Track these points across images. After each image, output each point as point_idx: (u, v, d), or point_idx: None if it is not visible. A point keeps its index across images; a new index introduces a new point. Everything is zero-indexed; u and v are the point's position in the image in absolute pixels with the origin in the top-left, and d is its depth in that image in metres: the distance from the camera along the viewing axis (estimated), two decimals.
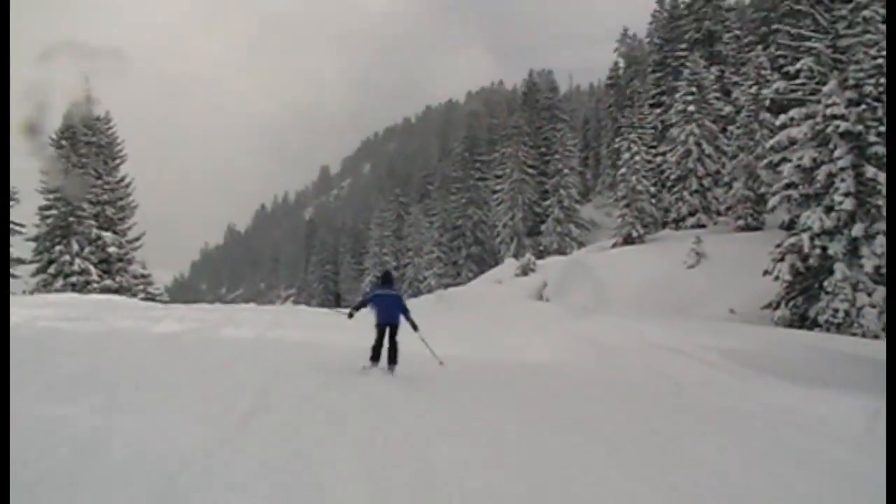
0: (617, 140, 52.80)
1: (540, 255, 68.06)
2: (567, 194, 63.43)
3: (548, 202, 64.31)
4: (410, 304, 14.67)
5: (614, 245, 47.16)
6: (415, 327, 13.48)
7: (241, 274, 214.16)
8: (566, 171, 63.73)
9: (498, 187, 68.29)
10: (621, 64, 79.83)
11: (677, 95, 47.50)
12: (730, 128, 43.96)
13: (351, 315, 13.94)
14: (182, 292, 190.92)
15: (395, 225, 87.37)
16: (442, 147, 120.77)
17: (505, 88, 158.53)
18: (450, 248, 73.93)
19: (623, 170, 47.08)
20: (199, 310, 25.29)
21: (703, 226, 44.68)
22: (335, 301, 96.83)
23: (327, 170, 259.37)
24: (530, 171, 67.16)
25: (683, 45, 57.34)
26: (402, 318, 13.46)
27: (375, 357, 13.15)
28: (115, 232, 46.93)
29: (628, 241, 45.67)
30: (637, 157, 46.07)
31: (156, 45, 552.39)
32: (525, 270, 42.92)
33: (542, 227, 64.71)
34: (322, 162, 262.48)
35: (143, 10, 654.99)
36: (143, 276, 49.38)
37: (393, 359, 13.20)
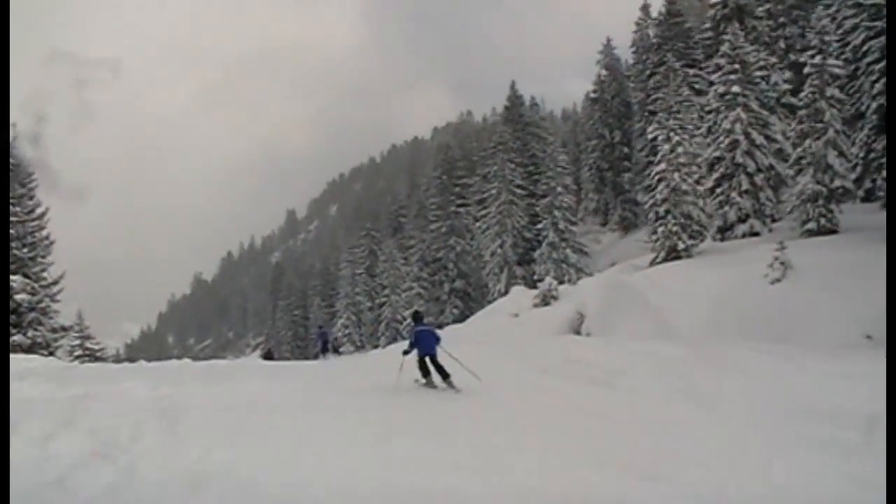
0: (650, 128, 42.14)
1: (534, 284, 59.29)
2: (562, 215, 54.33)
3: (540, 225, 55.12)
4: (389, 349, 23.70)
5: (654, 262, 37.29)
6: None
7: (208, 324, 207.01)
8: (559, 189, 54.74)
9: (482, 212, 59.21)
10: (605, 76, 71.49)
11: (716, 76, 37.79)
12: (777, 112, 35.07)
13: (406, 352, 15.93)
14: (148, 345, 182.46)
15: (368, 262, 77.77)
16: (411, 183, 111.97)
17: (474, 119, 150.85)
18: (431, 283, 64.67)
19: (662, 165, 36.87)
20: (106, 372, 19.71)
21: (756, 233, 35.42)
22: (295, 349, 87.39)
23: (294, 213, 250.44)
24: (519, 191, 58.13)
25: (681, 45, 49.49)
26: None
27: (427, 374, 15.82)
28: (25, 275, 36.74)
29: (672, 255, 35.95)
30: (679, 149, 36.16)
31: (118, 91, 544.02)
32: (546, 299, 33.36)
33: (536, 254, 55.59)
34: (288, 205, 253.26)
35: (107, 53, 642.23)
36: (63, 328, 39.44)
37: (445, 374, 15.61)
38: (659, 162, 37.38)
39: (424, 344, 15.61)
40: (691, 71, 53.38)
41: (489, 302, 61.26)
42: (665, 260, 35.62)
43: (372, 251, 78.43)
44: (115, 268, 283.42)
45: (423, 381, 15.59)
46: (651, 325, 25.22)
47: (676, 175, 35.37)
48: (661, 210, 36.73)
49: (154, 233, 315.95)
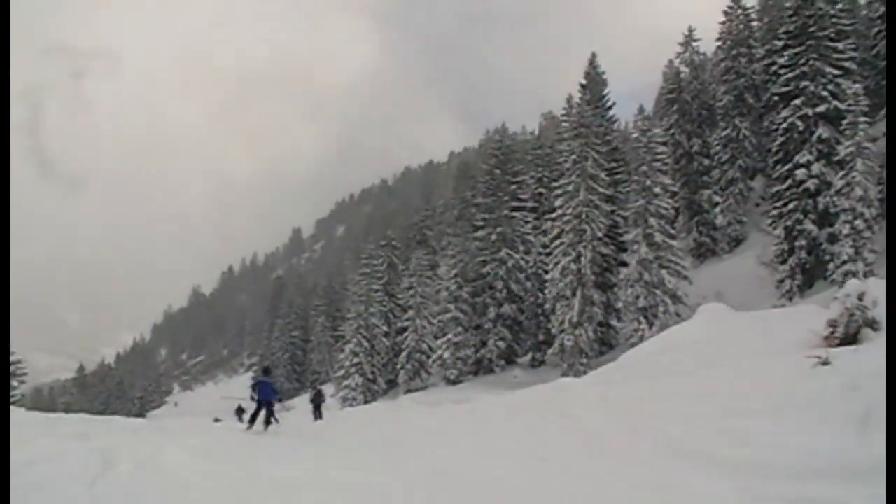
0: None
1: (615, 314, 43.07)
2: (658, 225, 38.21)
3: (630, 235, 38.90)
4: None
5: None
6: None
7: (203, 339, 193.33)
8: (657, 189, 38.70)
9: (552, 216, 42.77)
10: (685, 74, 55.48)
11: None
12: None
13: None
14: (138, 358, 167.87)
15: (386, 277, 61.17)
16: (426, 206, 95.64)
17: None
18: (472, 307, 48.15)
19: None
20: None
21: None
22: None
23: (299, 232, 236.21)
24: (602, 189, 41.84)
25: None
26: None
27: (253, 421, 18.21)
28: None
29: None
30: None
31: (126, 104, 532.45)
32: (852, 327, 15.91)
33: (622, 275, 39.53)
34: (294, 224, 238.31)
35: (116, 67, 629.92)
36: None
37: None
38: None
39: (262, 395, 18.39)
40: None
41: (547, 335, 45.03)
42: None
43: (392, 265, 61.93)
44: (114, 273, 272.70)
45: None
46: None
47: None
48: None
49: (154, 240, 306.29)
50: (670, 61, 67.33)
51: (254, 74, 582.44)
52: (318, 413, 31.80)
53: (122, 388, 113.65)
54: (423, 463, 10.81)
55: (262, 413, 18.07)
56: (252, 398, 19.16)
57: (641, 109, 76.32)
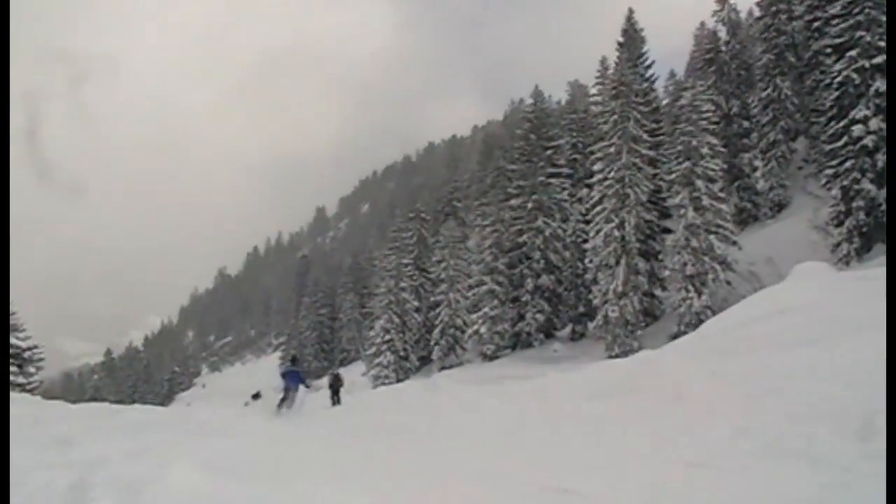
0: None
1: (659, 283, 40.82)
2: (706, 189, 35.80)
3: (676, 200, 36.49)
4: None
5: None
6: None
7: (230, 320, 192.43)
8: (705, 149, 36.27)
9: (592, 180, 40.35)
10: (722, 33, 52.68)
11: None
12: None
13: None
14: (166, 341, 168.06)
15: (416, 250, 59.09)
16: (451, 180, 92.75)
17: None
18: (508, 278, 46.03)
19: None
20: None
21: None
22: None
23: (323, 210, 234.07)
24: (645, 151, 39.43)
25: None
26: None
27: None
28: None
29: None
30: None
31: (144, 88, 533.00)
32: None
33: (669, 241, 37.27)
34: (318, 203, 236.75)
35: (134, 53, 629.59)
36: None
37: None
38: None
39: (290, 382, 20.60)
40: None
41: (587, 307, 42.91)
42: None
43: (421, 238, 59.84)
44: (141, 260, 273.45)
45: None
46: None
47: None
48: None
49: (179, 225, 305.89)
50: (702, 23, 65.08)
51: (272, 55, 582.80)
52: (336, 398, 29.87)
53: (149, 372, 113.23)
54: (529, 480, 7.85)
55: (286, 397, 20.48)
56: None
57: (673, 74, 73.68)
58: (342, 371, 34.23)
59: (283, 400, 20.41)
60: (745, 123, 47.91)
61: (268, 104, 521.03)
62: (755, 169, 46.38)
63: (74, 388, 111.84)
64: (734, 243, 36.57)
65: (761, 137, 45.84)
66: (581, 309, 43.80)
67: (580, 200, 45.13)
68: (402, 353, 54.12)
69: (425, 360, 55.46)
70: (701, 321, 34.98)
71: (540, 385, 15.83)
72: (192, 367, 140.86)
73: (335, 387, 30.44)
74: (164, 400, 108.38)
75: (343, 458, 8.84)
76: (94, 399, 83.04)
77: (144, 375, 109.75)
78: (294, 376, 21.16)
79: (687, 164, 36.13)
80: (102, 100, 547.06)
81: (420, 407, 17.32)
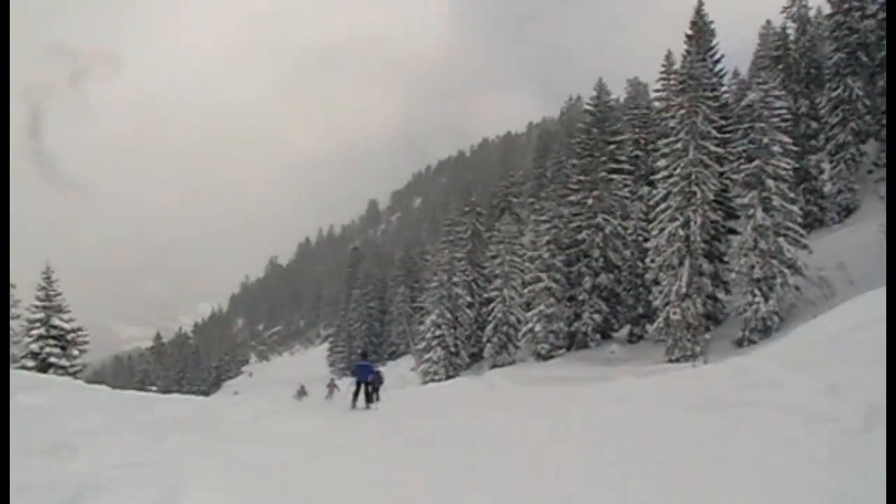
0: None
1: (723, 286, 39.13)
2: (777, 189, 34.08)
3: (745, 199, 34.73)
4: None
5: None
6: None
7: (280, 310, 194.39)
8: (776, 147, 34.58)
9: (659, 175, 38.72)
10: (791, 32, 50.59)
11: None
12: None
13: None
14: (215, 328, 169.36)
15: (470, 244, 57.93)
16: (505, 177, 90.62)
17: (582, 105, 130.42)
18: (566, 276, 44.70)
19: None
20: None
21: None
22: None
23: (375, 204, 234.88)
24: (713, 148, 37.73)
25: None
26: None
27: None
28: None
29: None
30: None
31: (196, 83, 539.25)
32: None
33: (737, 242, 35.63)
34: (370, 196, 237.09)
35: (184, 52, 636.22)
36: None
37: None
38: None
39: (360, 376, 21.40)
40: None
41: (647, 309, 41.47)
42: None
43: (476, 232, 58.63)
44: (194, 248, 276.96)
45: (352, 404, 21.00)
46: None
47: None
48: None
49: (233, 215, 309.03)
50: (768, 21, 63.01)
51: (327, 49, 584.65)
52: (375, 395, 26.16)
53: (197, 358, 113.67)
54: None
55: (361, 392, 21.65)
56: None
57: (736, 73, 71.52)
58: (382, 367, 31.47)
59: (355, 394, 21.63)
60: (814, 124, 46.12)
61: (325, 100, 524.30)
62: (822, 171, 44.63)
63: (124, 372, 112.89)
64: (804, 247, 34.81)
65: (830, 139, 44.13)
66: (640, 310, 42.35)
67: (641, 198, 43.67)
68: (452, 349, 53.01)
69: (476, 357, 54.39)
70: (767, 326, 33.59)
71: (620, 391, 14.45)
72: (240, 356, 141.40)
73: (375, 384, 28.16)
74: (211, 387, 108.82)
75: (390, 480, 7.57)
76: (141, 383, 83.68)
77: (193, 362, 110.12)
78: (365, 370, 22.14)
79: (757, 162, 34.55)
80: (159, 88, 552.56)
81: (481, 409, 15.94)
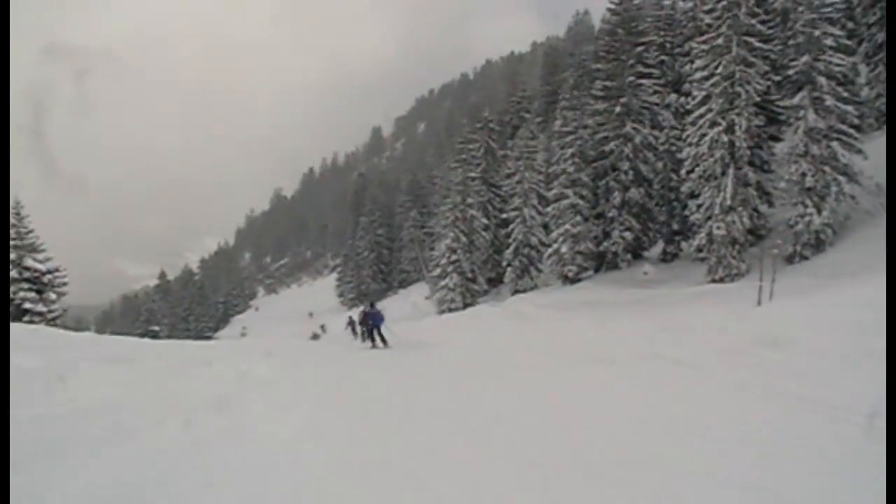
0: None
1: (766, 197, 35.50)
2: (830, 87, 30.21)
3: (795, 100, 30.93)
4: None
5: None
6: None
7: (286, 242, 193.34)
8: (828, 41, 30.64)
9: (696, 76, 34.77)
10: None
11: None
12: None
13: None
14: (222, 262, 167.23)
15: (483, 163, 54.15)
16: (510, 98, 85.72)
17: (591, 21, 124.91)
18: (592, 191, 41.18)
19: None
20: None
21: None
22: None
23: (379, 130, 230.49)
24: (758, 44, 33.70)
25: None
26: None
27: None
28: None
29: None
30: None
31: (193, 14, 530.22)
32: None
33: (788, 147, 31.95)
34: (374, 123, 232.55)
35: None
36: None
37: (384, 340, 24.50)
38: None
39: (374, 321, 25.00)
40: None
41: (682, 225, 38.10)
42: None
43: (489, 150, 54.83)
44: (197, 184, 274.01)
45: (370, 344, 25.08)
46: None
47: None
48: None
49: (236, 148, 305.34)
50: None
51: None
52: (377, 336, 25.10)
53: (204, 294, 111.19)
54: None
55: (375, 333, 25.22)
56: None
57: None
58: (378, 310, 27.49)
59: (371, 337, 25.52)
60: (849, 24, 41.88)
61: (319, 28, 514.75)
62: (858, 74, 40.67)
63: (132, 311, 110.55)
64: (859, 151, 30.98)
65: (865, 39, 39.66)
66: (674, 227, 38.89)
67: (668, 107, 39.81)
68: (469, 275, 49.64)
69: (494, 283, 51.34)
70: (820, 241, 30.21)
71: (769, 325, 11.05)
72: (247, 290, 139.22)
73: (370, 325, 25.63)
74: (219, 323, 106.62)
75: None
76: (147, 322, 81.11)
77: (199, 298, 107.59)
78: (378, 317, 25.64)
79: (806, 58, 30.62)
80: (153, 45, 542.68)
81: (514, 345, 12.81)
